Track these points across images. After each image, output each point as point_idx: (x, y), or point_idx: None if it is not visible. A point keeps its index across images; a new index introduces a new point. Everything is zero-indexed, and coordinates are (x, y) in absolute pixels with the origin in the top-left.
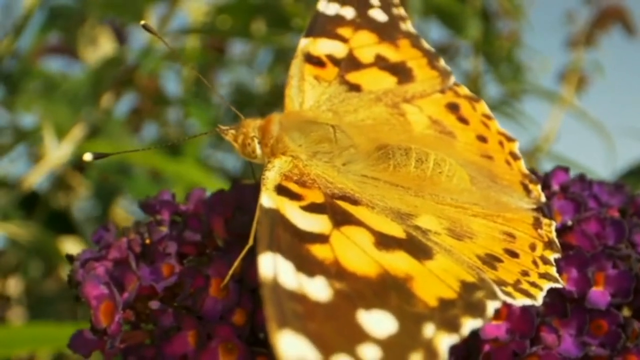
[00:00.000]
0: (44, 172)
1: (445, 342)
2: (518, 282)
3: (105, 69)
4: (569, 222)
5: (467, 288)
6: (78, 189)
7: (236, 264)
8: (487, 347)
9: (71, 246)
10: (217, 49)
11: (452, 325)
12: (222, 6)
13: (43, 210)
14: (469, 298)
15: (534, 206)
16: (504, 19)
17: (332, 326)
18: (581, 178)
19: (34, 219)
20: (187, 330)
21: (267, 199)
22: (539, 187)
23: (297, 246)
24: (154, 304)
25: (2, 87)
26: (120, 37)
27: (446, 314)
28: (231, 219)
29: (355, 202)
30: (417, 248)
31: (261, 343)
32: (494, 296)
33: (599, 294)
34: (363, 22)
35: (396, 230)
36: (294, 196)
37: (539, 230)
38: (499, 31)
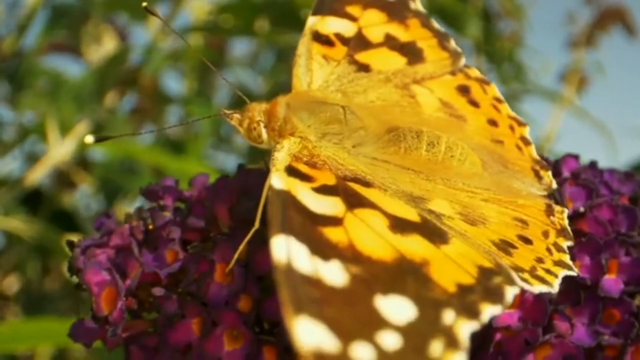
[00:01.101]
0: (47, 169)
1: (466, 328)
2: (534, 268)
3: (110, 67)
4: (581, 209)
5: (484, 273)
6: (81, 187)
7: (241, 247)
8: (498, 336)
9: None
10: (218, 49)
11: (471, 312)
12: (225, 5)
13: (46, 208)
14: (487, 283)
15: (545, 193)
16: (505, 19)
17: (349, 312)
18: (592, 165)
19: (37, 217)
20: (192, 317)
21: (278, 180)
22: (549, 173)
23: (310, 228)
24: (158, 291)
25: (7, 85)
26: (123, 35)
27: (465, 300)
28: (236, 204)
29: (367, 184)
30: (433, 232)
31: (267, 331)
32: (511, 282)
33: (612, 281)
34: (372, 0)
35: (410, 213)
36: (304, 177)
37: (551, 218)
38: (500, 31)
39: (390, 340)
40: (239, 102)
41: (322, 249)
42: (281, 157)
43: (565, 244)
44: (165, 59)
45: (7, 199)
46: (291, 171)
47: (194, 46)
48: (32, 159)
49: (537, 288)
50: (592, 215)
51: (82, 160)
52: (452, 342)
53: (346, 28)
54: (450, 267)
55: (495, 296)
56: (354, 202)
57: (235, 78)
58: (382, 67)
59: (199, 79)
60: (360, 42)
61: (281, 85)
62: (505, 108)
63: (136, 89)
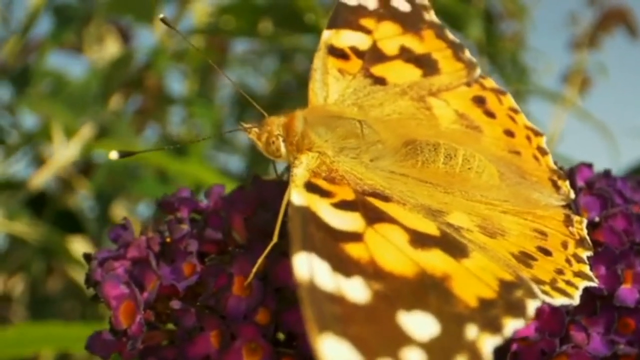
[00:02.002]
0: (51, 172)
1: (489, 343)
2: (554, 280)
3: (115, 69)
4: (596, 219)
5: (506, 287)
6: (85, 189)
7: (260, 261)
8: (515, 346)
9: (79, 246)
10: (220, 50)
11: (494, 326)
12: (227, 6)
13: (51, 210)
14: (508, 297)
15: (564, 203)
16: (507, 20)
17: (373, 329)
18: (606, 174)
19: (41, 219)
20: (210, 330)
21: (298, 197)
22: (567, 183)
23: (332, 245)
24: (176, 304)
25: (10, 87)
26: (126, 37)
27: (487, 315)
28: (253, 215)
29: (386, 198)
30: (453, 246)
31: (285, 344)
32: (533, 295)
33: (627, 291)
34: (386, 12)
35: (430, 227)
36: (324, 193)
37: (570, 228)
38: (502, 32)
39: (414, 357)
40: (240, 103)
41: (344, 266)
42: (300, 173)
43: (585, 254)
44: (169, 60)
45: (12, 202)
46: (310, 187)
47: (197, 48)
48: (37, 161)
49: (559, 301)
50: (608, 225)
51: (85, 163)
52: (475, 357)
53: (361, 41)
54: (472, 281)
55: (517, 310)
56: (374, 217)
57: (238, 79)
58: (397, 80)
59: (201, 80)
60: (375, 55)
61: (283, 86)
62: (522, 118)
63: (141, 90)
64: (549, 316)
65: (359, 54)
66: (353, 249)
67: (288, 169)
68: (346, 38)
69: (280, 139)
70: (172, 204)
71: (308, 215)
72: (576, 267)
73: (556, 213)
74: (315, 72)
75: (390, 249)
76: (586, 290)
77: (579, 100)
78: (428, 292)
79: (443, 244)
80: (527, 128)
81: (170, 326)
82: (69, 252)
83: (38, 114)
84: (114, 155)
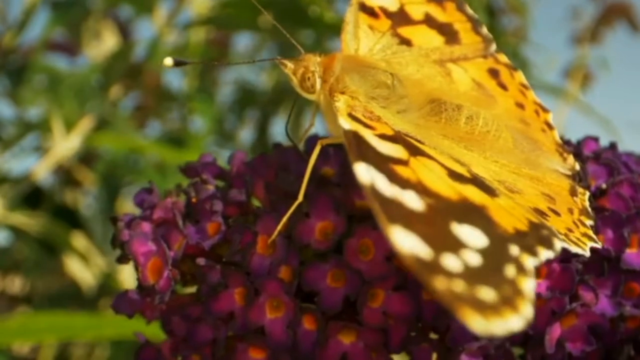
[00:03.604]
0: (50, 165)
1: (530, 261)
2: (567, 234)
3: (114, 62)
4: (603, 186)
5: (533, 226)
6: (85, 183)
7: (284, 219)
8: None
9: (78, 241)
10: (221, 45)
11: (531, 251)
12: (227, 1)
13: (49, 205)
14: (538, 233)
15: (570, 173)
16: (509, 14)
17: (433, 231)
18: (612, 146)
19: (40, 214)
20: (235, 287)
21: (346, 123)
22: (572, 156)
23: (383, 163)
24: (202, 261)
25: (7, 80)
26: (125, 31)
27: (524, 241)
28: (276, 177)
29: (419, 141)
30: (484, 186)
31: (307, 300)
32: (556, 236)
33: (633, 255)
34: None
35: (461, 169)
36: (366, 125)
37: (575, 198)
38: (504, 27)
39: (473, 258)
40: (242, 99)
41: (397, 180)
42: (342, 106)
43: (588, 222)
44: (169, 54)
45: (11, 195)
46: (353, 118)
47: (197, 42)
48: (36, 154)
49: (575, 249)
50: (614, 191)
51: (86, 156)
52: (521, 269)
53: (390, 3)
54: (506, 214)
55: (547, 243)
56: (413, 151)
57: (238, 74)
58: (422, 43)
59: (201, 75)
60: (402, 17)
61: (284, 81)
62: (531, 94)
63: (140, 84)
64: (559, 275)
65: (387, 14)
66: (402, 170)
67: (308, 139)
68: None
69: (317, 75)
70: (196, 169)
71: (358, 138)
72: (582, 229)
73: (563, 182)
74: (348, 25)
75: (433, 176)
76: (594, 251)
77: (581, 95)
78: (472, 213)
79: (475, 183)
80: (535, 103)
81: (193, 290)
82: (69, 247)
83: (36, 107)
84: (168, 61)
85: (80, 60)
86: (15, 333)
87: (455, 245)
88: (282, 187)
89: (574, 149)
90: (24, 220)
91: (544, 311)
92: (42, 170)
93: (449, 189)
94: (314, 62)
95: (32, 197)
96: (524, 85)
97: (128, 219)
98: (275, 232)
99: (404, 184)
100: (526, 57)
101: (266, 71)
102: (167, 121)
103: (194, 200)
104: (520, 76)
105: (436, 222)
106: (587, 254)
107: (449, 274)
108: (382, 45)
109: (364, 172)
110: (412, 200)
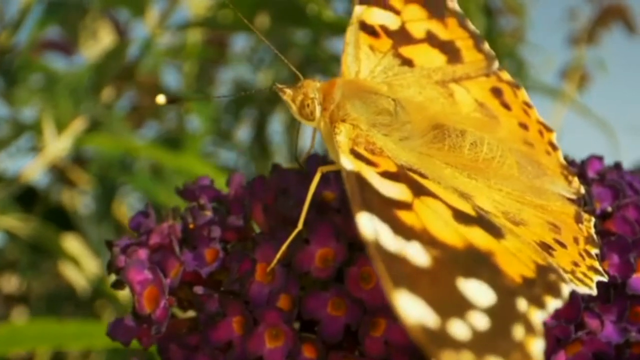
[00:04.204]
0: (43, 165)
1: (538, 317)
2: (573, 270)
3: (107, 61)
4: (609, 209)
5: (540, 270)
6: (78, 185)
7: (284, 247)
8: None
9: (71, 243)
10: (219, 45)
11: (539, 303)
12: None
13: (42, 206)
14: (545, 279)
15: (575, 197)
16: (506, 15)
17: (438, 292)
18: (616, 166)
19: (32, 215)
20: (233, 316)
21: (347, 162)
22: (576, 179)
23: (387, 210)
24: (199, 289)
25: (2, 80)
26: (121, 31)
27: (531, 292)
28: (275, 202)
29: (422, 175)
30: (489, 226)
31: (307, 329)
32: (563, 280)
33: (639, 280)
34: None
35: (466, 207)
36: (369, 162)
37: (580, 225)
38: (501, 28)
39: (480, 321)
40: (239, 99)
41: (402, 230)
42: (343, 140)
43: (594, 251)
44: (164, 54)
45: (2, 196)
46: (355, 155)
47: (194, 42)
48: (28, 155)
49: (581, 289)
50: (620, 214)
51: (78, 157)
52: (530, 328)
53: (390, 21)
54: (513, 259)
55: (554, 291)
56: (417, 190)
57: (235, 74)
58: (424, 64)
59: (198, 75)
60: (403, 36)
61: (281, 80)
62: (534, 113)
63: (133, 84)
64: (565, 303)
65: (388, 33)
66: (406, 216)
67: (308, 159)
68: (377, 16)
69: (316, 102)
70: (193, 192)
71: (361, 180)
72: (588, 261)
73: (568, 209)
74: (348, 45)
75: (438, 221)
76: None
77: (578, 96)
78: (479, 263)
79: (481, 224)
80: (539, 123)
81: (191, 314)
82: (62, 250)
83: (29, 107)
84: (161, 99)
85: (77, 59)
86: (7, 341)
87: (462, 307)
88: (282, 212)
89: (578, 169)
90: (16, 223)
91: (548, 339)
92: (34, 171)
93: (454, 236)
94: (313, 88)
95: (25, 197)
96: (527, 104)
97: (124, 244)
98: (275, 261)
99: (408, 233)
100: (523, 57)
101: (263, 70)
102: (164, 121)
103: (191, 226)
104: (523, 94)
105: (442, 278)
106: (594, 292)
107: (457, 345)
108: (383, 66)
109: (367, 225)
110: (417, 255)
